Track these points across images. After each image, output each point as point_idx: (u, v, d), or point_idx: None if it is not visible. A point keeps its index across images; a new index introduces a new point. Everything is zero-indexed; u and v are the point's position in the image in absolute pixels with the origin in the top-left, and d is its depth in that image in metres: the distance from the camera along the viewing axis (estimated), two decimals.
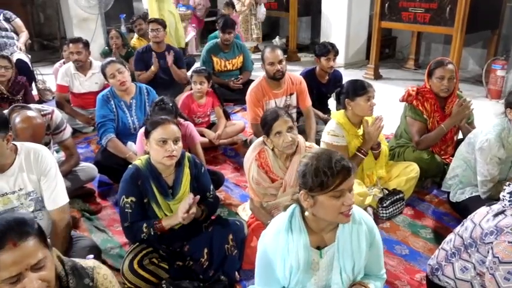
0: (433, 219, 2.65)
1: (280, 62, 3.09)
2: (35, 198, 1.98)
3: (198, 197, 1.99)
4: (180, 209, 1.95)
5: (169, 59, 4.33)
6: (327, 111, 3.81)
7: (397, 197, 2.61)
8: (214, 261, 2.07)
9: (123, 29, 6.36)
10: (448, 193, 2.66)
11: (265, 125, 2.21)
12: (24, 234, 1.17)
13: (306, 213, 1.52)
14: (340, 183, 1.39)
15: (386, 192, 2.64)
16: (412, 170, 2.70)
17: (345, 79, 3.72)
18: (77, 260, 1.40)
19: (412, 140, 2.90)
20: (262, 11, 6.80)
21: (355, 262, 1.54)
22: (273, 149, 2.25)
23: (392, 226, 2.58)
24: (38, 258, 1.18)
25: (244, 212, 2.61)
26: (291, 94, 3.31)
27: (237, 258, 2.11)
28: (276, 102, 3.26)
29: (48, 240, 1.28)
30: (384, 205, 2.57)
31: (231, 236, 2.10)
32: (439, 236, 2.44)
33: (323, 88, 3.73)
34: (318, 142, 2.82)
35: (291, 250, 1.51)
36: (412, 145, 2.91)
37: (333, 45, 3.59)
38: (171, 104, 2.72)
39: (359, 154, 2.55)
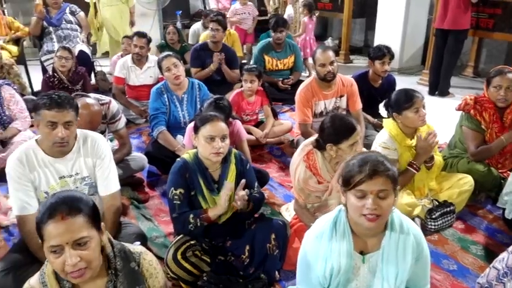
0: (485, 235, 2.52)
1: (331, 63, 3.05)
2: (90, 183, 2.08)
3: (243, 180, 2.02)
4: (222, 197, 1.98)
5: (216, 57, 4.38)
6: (377, 115, 3.72)
7: (448, 209, 2.50)
8: (255, 259, 2.08)
9: (178, 25, 6.53)
10: (504, 209, 2.51)
11: (337, 135, 2.10)
12: (74, 210, 1.24)
13: (349, 215, 1.50)
14: (362, 183, 1.39)
15: (437, 203, 2.54)
16: (466, 182, 2.58)
17: (399, 84, 3.64)
18: (126, 244, 1.46)
19: (467, 151, 2.77)
20: (288, 13, 6.63)
21: (398, 273, 1.50)
22: (322, 152, 2.22)
23: (441, 239, 2.48)
24: (81, 235, 1.23)
25: (288, 213, 2.60)
26: (341, 96, 3.26)
27: (278, 258, 2.11)
28: (325, 104, 3.23)
29: (102, 224, 1.34)
30: (433, 217, 2.47)
31: (273, 235, 2.10)
32: (490, 254, 2.31)
33: (375, 92, 3.64)
34: (366, 147, 2.76)
35: (334, 252, 1.50)
36: (467, 156, 2.78)
37: (388, 49, 3.50)
38: (227, 104, 2.77)
39: (411, 169, 2.46)
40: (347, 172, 1.45)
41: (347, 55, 6.93)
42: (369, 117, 3.60)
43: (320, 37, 8.25)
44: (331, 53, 3.08)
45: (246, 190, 2.04)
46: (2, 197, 2.72)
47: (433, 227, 2.49)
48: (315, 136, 2.28)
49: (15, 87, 3.58)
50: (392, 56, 3.53)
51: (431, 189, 2.64)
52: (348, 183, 1.44)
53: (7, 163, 1.96)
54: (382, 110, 3.63)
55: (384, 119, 2.73)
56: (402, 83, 3.97)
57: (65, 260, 1.22)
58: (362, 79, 3.57)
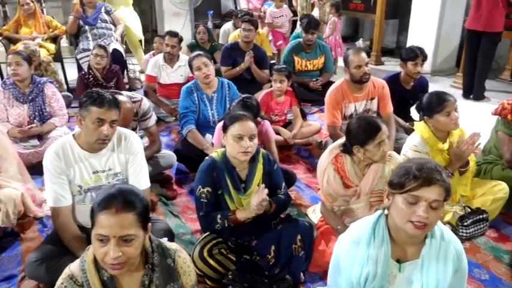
0: None
1: (366, 64, 3.01)
2: (121, 179, 2.13)
3: (266, 190, 1.99)
4: (253, 201, 1.98)
5: (248, 56, 4.40)
6: (408, 119, 3.65)
7: (480, 216, 2.43)
8: (281, 260, 2.07)
9: (209, 24, 6.59)
10: None
11: (363, 136, 2.09)
12: (128, 206, 1.28)
13: (390, 221, 1.47)
14: (417, 189, 1.34)
15: (469, 210, 2.46)
16: (500, 189, 2.50)
17: (431, 87, 3.55)
18: (161, 240, 1.49)
19: (503, 157, 2.68)
20: (315, 15, 6.49)
21: (439, 283, 1.44)
22: (351, 155, 2.20)
23: (472, 247, 2.41)
24: (129, 233, 1.27)
25: (314, 214, 2.59)
26: (372, 99, 3.22)
27: (304, 259, 2.10)
28: (355, 106, 3.19)
29: (149, 224, 1.37)
30: (465, 224, 2.40)
31: (299, 237, 2.09)
32: None
33: (406, 95, 3.57)
34: (396, 150, 2.71)
35: (371, 258, 1.46)
36: (502, 162, 2.69)
37: (421, 50, 3.42)
38: (255, 103, 2.77)
39: None
40: (402, 175, 1.39)
41: (378, 57, 6.82)
42: (400, 120, 3.53)
43: (351, 38, 8.16)
44: (364, 55, 3.04)
45: (265, 196, 1.98)
46: (37, 189, 2.81)
47: (464, 234, 2.42)
48: (343, 139, 2.26)
49: (56, 85, 3.71)
50: (425, 58, 3.45)
51: (463, 195, 2.57)
52: (401, 186, 1.38)
53: (44, 156, 2.03)
54: (413, 113, 3.56)
55: (415, 122, 2.68)
56: (435, 85, 3.88)
57: (108, 251, 1.26)
58: (393, 81, 3.50)
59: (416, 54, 3.38)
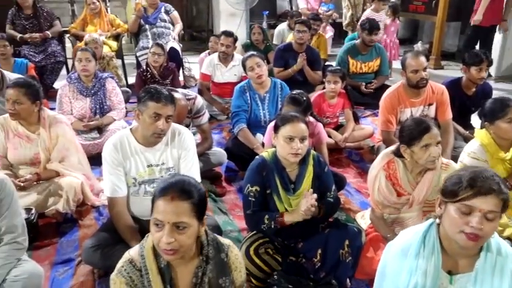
0: None
1: (424, 69, 2.90)
2: (173, 174, 2.19)
3: (315, 195, 1.97)
4: (302, 206, 1.97)
5: (301, 58, 4.38)
6: (468, 126, 3.48)
7: None
8: (327, 264, 2.04)
9: (264, 25, 6.63)
10: None
11: (410, 135, 2.04)
12: (184, 195, 1.33)
13: (442, 231, 1.40)
14: (471, 198, 1.27)
15: None
16: None
17: (495, 93, 3.36)
18: (216, 235, 1.52)
19: None
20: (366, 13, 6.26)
21: None
22: (404, 162, 2.13)
23: None
24: (182, 220, 1.31)
25: (363, 220, 2.53)
26: (429, 104, 3.09)
27: (351, 265, 2.06)
28: (411, 112, 3.08)
29: (205, 217, 1.40)
30: None
31: (347, 242, 2.05)
32: None
33: (467, 101, 3.40)
34: (454, 159, 2.59)
35: (420, 269, 1.40)
36: None
37: (486, 55, 3.24)
38: (304, 99, 2.73)
39: None
40: (456, 183, 1.33)
41: (438, 60, 6.54)
42: (460, 128, 3.37)
43: (409, 41, 7.89)
44: (423, 59, 2.93)
45: (313, 202, 1.95)
46: (95, 179, 2.97)
47: None
48: (397, 144, 2.19)
49: (116, 80, 3.90)
50: (490, 63, 3.28)
51: None
52: (454, 194, 1.32)
53: (104, 148, 2.14)
54: (474, 121, 3.39)
55: (475, 130, 2.55)
56: (499, 92, 3.66)
57: (162, 236, 1.31)
58: (454, 87, 3.35)
59: (481, 59, 3.21)
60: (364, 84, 4.59)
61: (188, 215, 1.32)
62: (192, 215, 1.33)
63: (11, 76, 3.25)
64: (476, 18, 5.36)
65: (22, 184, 2.49)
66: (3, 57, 4.04)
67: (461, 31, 7.19)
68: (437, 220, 1.43)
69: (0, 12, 5.23)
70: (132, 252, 1.44)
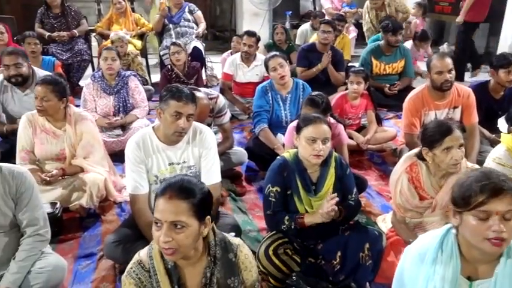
0: None
1: (449, 71, 2.84)
2: (194, 172, 2.21)
3: (336, 198, 1.96)
4: (323, 209, 1.95)
5: (326, 58, 4.35)
6: (495, 130, 3.39)
7: None
8: (346, 267, 2.02)
9: (287, 25, 6.61)
10: None
11: (431, 137, 2.01)
12: (182, 195, 1.32)
13: (460, 237, 1.37)
14: (485, 203, 1.24)
15: None
16: None
17: None
18: (226, 234, 1.53)
19: None
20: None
21: None
22: (427, 165, 2.09)
23: None
24: (179, 219, 1.30)
25: (384, 224, 2.49)
26: (455, 107, 3.03)
27: (371, 269, 2.03)
28: (436, 115, 3.01)
29: (208, 217, 1.40)
30: None
31: (367, 245, 2.03)
32: None
33: (495, 105, 3.32)
34: (479, 163, 2.53)
35: (437, 273, 1.37)
36: None
37: None
38: (323, 100, 2.71)
39: None
40: (465, 190, 1.29)
41: (465, 63, 6.37)
42: (486, 131, 3.29)
43: (435, 42, 7.73)
44: (449, 60, 2.87)
45: (334, 206, 1.95)
46: (118, 176, 3.02)
47: None
48: (421, 147, 2.15)
49: (139, 78, 3.96)
50: None
51: None
52: (466, 203, 1.28)
53: (127, 145, 2.17)
54: (501, 125, 3.30)
55: (502, 134, 2.48)
56: None
57: (161, 235, 1.31)
58: (481, 90, 3.27)
59: (510, 61, 3.13)
60: (388, 85, 4.53)
61: (186, 215, 1.31)
62: (190, 214, 1.32)
63: (40, 73, 3.33)
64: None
65: (48, 179, 2.55)
66: (33, 55, 4.15)
67: (490, 33, 7.01)
68: (453, 230, 1.39)
69: (30, 11, 5.38)
70: (142, 254, 1.46)
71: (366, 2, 5.89)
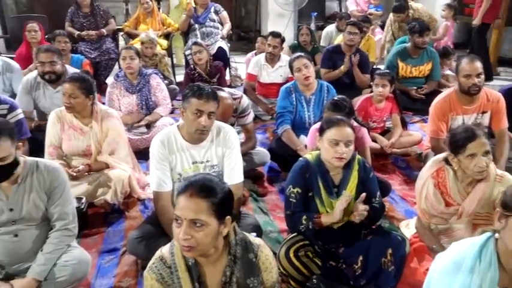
0: None
1: (478, 75, 2.76)
2: (217, 171, 2.23)
3: (364, 194, 1.95)
4: (337, 207, 1.95)
5: (356, 59, 4.31)
6: None
7: None
8: (368, 271, 2.00)
9: (312, 26, 6.57)
10: None
11: (455, 142, 1.98)
12: (203, 193, 1.33)
13: (500, 245, 1.34)
14: None
15: None
16: None
17: None
18: (247, 234, 1.53)
19: None
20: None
21: None
22: (454, 170, 2.04)
23: None
24: (198, 217, 1.31)
25: (408, 229, 2.45)
26: (483, 112, 2.95)
27: (393, 275, 2.00)
28: (463, 119, 2.94)
29: (228, 217, 1.40)
30: None
31: (390, 251, 2.00)
32: None
33: None
34: (509, 171, 2.45)
35: (474, 283, 1.33)
36: None
37: None
38: (346, 104, 2.69)
39: None
40: None
41: (494, 67, 6.22)
42: None
43: (463, 45, 7.56)
44: (479, 64, 2.78)
45: (366, 206, 1.96)
46: (142, 173, 3.07)
47: None
48: (447, 153, 2.11)
49: (161, 76, 4.01)
50: None
51: None
52: None
53: (151, 144, 2.20)
54: None
55: None
56: None
57: (181, 232, 1.33)
58: (511, 94, 3.17)
59: None
60: (415, 89, 4.45)
61: (206, 213, 1.31)
62: (210, 213, 1.32)
63: (70, 71, 3.42)
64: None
65: (75, 174, 2.61)
66: (63, 53, 4.24)
67: None
68: (496, 235, 1.35)
69: (61, 10, 5.52)
70: (164, 250, 1.47)
71: (390, 14, 5.83)
